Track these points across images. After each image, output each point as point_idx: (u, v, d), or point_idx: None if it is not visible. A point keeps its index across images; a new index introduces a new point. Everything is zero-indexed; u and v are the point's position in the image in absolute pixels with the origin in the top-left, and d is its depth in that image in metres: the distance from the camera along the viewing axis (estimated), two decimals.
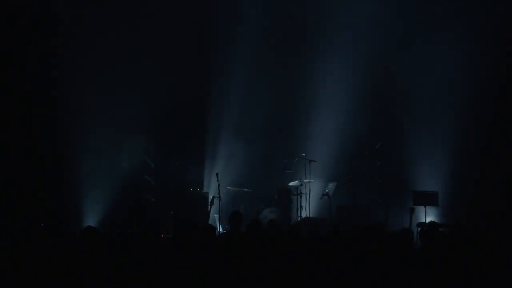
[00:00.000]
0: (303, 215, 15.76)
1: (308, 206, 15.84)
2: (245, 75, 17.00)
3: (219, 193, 14.85)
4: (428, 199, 15.05)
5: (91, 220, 15.26)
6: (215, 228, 10.50)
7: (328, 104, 17.04)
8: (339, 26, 16.53)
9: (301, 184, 15.96)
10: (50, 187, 15.46)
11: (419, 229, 11.50)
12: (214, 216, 15.79)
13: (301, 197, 15.86)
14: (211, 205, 15.80)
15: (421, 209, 15.00)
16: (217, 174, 15.08)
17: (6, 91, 15.50)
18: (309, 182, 15.90)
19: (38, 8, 15.78)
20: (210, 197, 15.93)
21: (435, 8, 16.48)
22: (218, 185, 14.87)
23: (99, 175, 15.88)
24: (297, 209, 15.82)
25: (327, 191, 15.79)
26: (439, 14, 16.39)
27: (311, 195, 15.83)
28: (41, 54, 15.73)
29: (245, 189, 16.61)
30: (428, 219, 14.45)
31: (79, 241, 8.40)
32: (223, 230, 15.13)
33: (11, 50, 15.52)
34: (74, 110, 15.74)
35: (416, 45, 16.50)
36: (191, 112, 17.44)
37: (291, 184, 16.20)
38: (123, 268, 7.51)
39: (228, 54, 17.16)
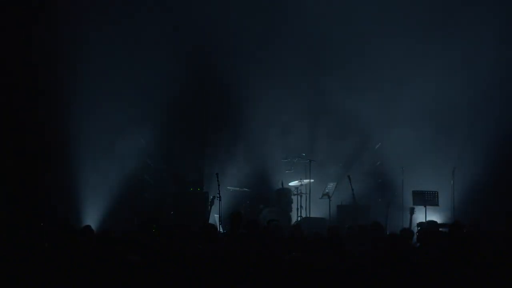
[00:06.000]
0: (303, 215, 15.76)
1: (308, 206, 15.84)
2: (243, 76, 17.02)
3: (219, 193, 14.84)
4: (428, 199, 15.05)
5: (90, 219, 15.27)
6: (216, 227, 10.51)
7: (328, 104, 17.07)
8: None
9: (301, 184, 15.96)
10: (50, 187, 15.47)
11: (419, 229, 11.52)
12: (214, 216, 15.79)
13: (301, 197, 15.86)
14: (211, 205, 15.78)
15: (421, 209, 15.00)
16: (217, 174, 15.06)
17: (6, 90, 15.53)
18: (309, 182, 15.90)
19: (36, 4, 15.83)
20: (210, 197, 15.92)
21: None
22: (218, 185, 14.86)
23: (99, 174, 15.89)
24: (297, 209, 15.82)
25: (327, 191, 15.79)
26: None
27: (311, 195, 15.83)
28: (40, 53, 15.76)
29: (245, 189, 16.61)
30: (428, 219, 14.43)
31: (77, 241, 8.41)
32: (223, 230, 15.11)
33: (8, 48, 15.57)
34: (74, 109, 15.77)
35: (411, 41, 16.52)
36: (192, 112, 17.46)
37: (291, 184, 16.20)
38: (120, 268, 7.51)
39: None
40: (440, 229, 11.81)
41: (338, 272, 7.29)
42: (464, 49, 16.13)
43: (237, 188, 16.60)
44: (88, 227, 9.64)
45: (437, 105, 16.56)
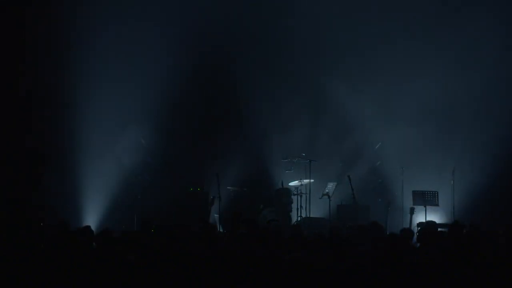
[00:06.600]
0: (303, 215, 15.75)
1: (308, 206, 15.83)
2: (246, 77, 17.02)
3: (219, 193, 14.84)
4: (428, 199, 15.06)
5: (91, 219, 15.27)
6: (216, 227, 10.52)
7: (328, 103, 17.08)
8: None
9: (301, 184, 15.96)
10: (50, 186, 15.47)
11: (419, 229, 11.51)
12: (214, 216, 15.79)
13: (301, 197, 15.86)
14: (211, 205, 15.78)
15: (421, 209, 15.00)
16: (217, 174, 15.06)
17: (5, 89, 15.54)
18: (309, 182, 15.90)
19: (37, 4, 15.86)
20: (210, 197, 15.91)
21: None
22: (218, 185, 14.85)
23: (99, 174, 15.89)
24: (297, 209, 15.82)
25: (327, 191, 15.79)
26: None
27: (311, 195, 15.83)
28: (40, 53, 15.77)
29: (245, 189, 16.60)
30: (428, 219, 14.44)
31: (77, 241, 8.41)
32: (223, 230, 15.11)
33: (8, 48, 15.58)
34: (74, 109, 15.78)
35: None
36: (192, 112, 17.46)
37: (291, 184, 16.20)
38: (120, 268, 7.51)
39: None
40: (440, 229, 11.79)
41: (338, 272, 7.29)
42: (464, 49, 16.14)
43: (237, 188, 16.60)
44: (88, 227, 9.62)
45: (437, 104, 16.56)
